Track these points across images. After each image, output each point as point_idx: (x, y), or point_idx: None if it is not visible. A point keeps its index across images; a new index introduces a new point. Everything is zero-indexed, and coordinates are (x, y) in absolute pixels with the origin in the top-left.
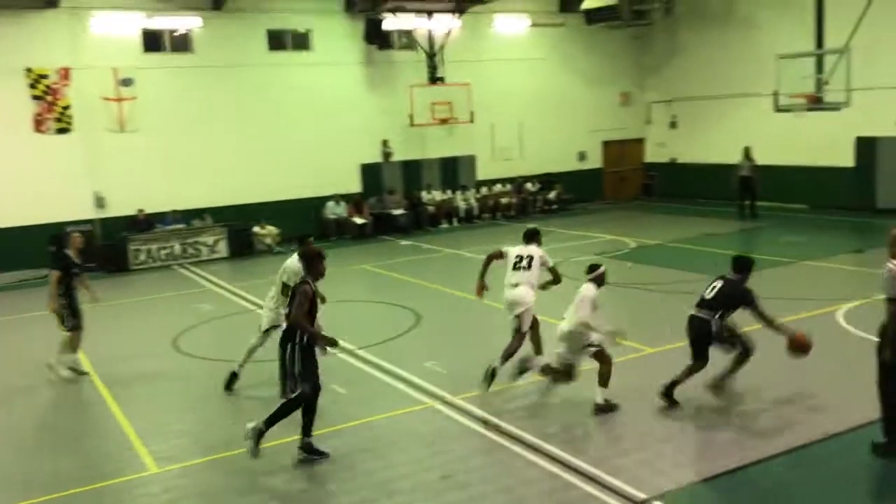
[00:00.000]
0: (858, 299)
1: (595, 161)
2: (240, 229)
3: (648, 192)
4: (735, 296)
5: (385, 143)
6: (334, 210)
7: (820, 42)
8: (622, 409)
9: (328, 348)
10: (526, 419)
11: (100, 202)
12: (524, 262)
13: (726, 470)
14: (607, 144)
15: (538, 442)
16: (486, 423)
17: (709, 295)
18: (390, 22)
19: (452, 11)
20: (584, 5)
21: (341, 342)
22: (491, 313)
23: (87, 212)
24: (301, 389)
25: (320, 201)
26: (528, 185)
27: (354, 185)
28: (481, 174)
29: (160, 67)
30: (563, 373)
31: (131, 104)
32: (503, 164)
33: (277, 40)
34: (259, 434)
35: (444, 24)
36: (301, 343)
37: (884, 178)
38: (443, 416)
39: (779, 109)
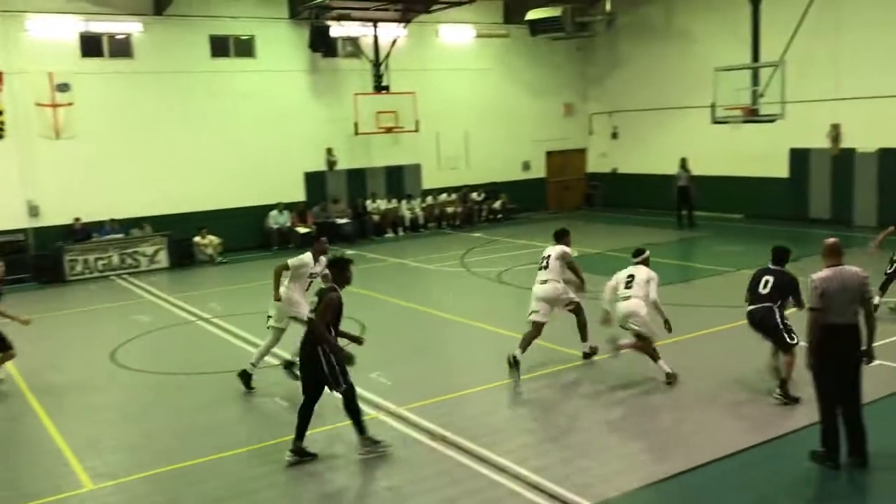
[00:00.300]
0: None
1: (539, 171)
2: (180, 239)
3: (591, 202)
4: (787, 284)
5: (329, 151)
6: (277, 219)
7: (756, 55)
8: (566, 417)
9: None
10: (471, 429)
11: (33, 211)
12: (544, 262)
13: (668, 475)
14: (551, 154)
15: (483, 451)
16: (431, 433)
17: (764, 290)
18: (335, 30)
19: (398, 20)
20: (528, 16)
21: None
22: (436, 323)
23: (20, 221)
24: (345, 384)
25: (263, 210)
26: (474, 195)
27: (298, 194)
28: (427, 183)
29: (98, 73)
30: (648, 343)
31: (67, 110)
32: (449, 174)
33: (220, 47)
34: (369, 441)
35: (389, 33)
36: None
37: (816, 189)
38: (388, 428)
39: (716, 121)
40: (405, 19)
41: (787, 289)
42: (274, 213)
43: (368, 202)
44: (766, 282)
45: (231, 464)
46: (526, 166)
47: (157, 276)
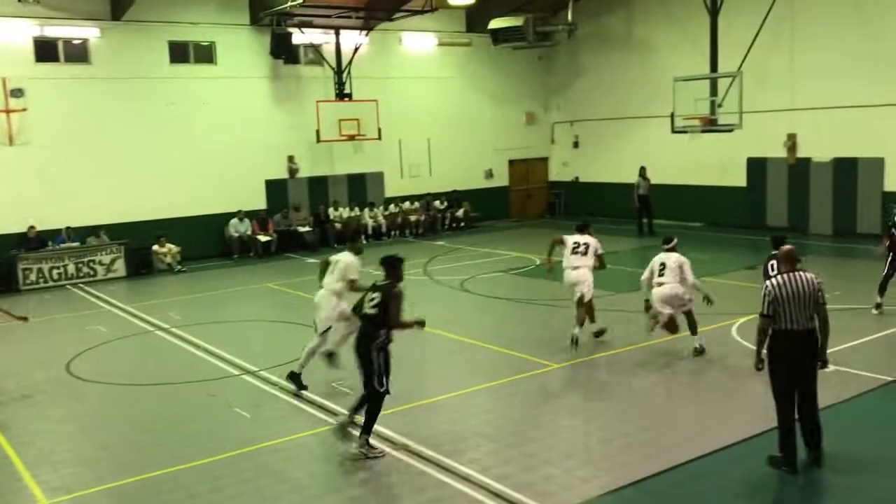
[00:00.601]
0: (752, 314)
1: (502, 179)
2: (138, 248)
3: (553, 211)
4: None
5: (291, 158)
6: (238, 227)
7: (714, 66)
8: (530, 425)
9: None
10: (435, 438)
11: None
12: (581, 248)
13: (629, 482)
14: (513, 163)
15: (446, 460)
16: (394, 442)
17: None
18: (297, 37)
19: (360, 28)
20: (491, 25)
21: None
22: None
23: None
24: (384, 387)
25: (224, 218)
26: (437, 203)
27: (259, 202)
28: (389, 191)
29: (54, 78)
30: (672, 324)
31: (21, 116)
32: (411, 182)
33: (180, 52)
34: (365, 443)
35: (351, 41)
36: (384, 343)
37: (773, 198)
38: (350, 438)
39: (675, 131)
40: (367, 27)
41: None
42: (234, 221)
43: (330, 210)
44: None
45: (192, 475)
46: (488, 175)
47: (114, 285)
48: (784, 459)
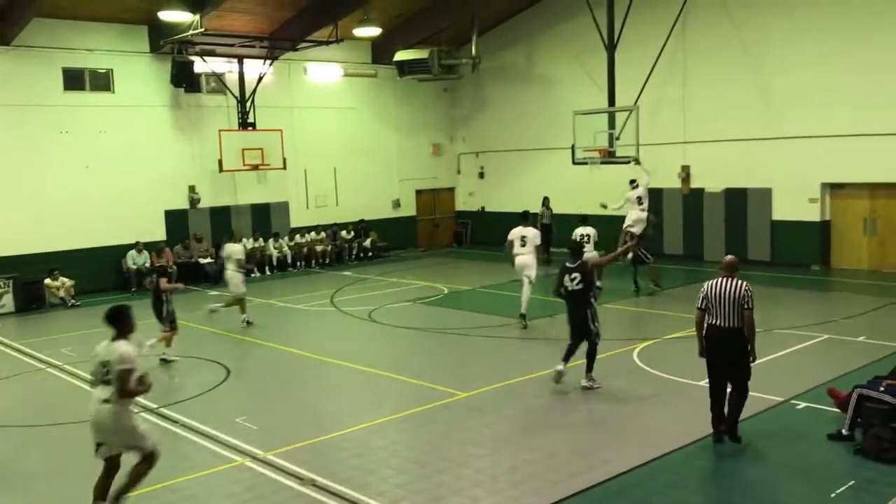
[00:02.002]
0: (650, 339)
1: (409, 209)
2: (29, 281)
3: (460, 240)
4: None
5: (192, 188)
6: (136, 259)
7: (612, 100)
8: (438, 456)
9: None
10: (342, 472)
11: None
12: (527, 243)
13: None
14: (420, 193)
15: (354, 494)
16: (300, 478)
17: None
18: (199, 65)
19: (264, 58)
20: (396, 57)
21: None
22: (305, 364)
23: None
24: (598, 337)
25: (121, 250)
26: (343, 233)
27: (159, 233)
28: (295, 221)
29: None
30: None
31: None
32: (318, 212)
33: (75, 80)
34: (592, 378)
35: (255, 70)
36: (593, 301)
37: (670, 227)
38: (255, 474)
39: (576, 162)
40: (271, 56)
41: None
42: (132, 252)
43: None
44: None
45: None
46: (396, 204)
47: (2, 321)
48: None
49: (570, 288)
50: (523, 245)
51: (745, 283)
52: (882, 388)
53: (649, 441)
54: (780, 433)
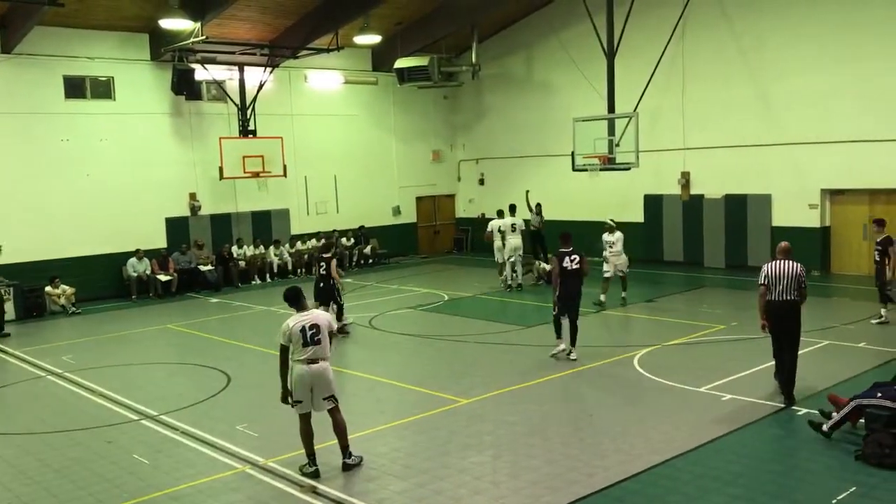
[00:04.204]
0: (650, 346)
1: (409, 216)
2: (30, 289)
3: (460, 247)
4: None
5: (193, 196)
6: (136, 267)
7: (611, 107)
8: (438, 463)
9: None
10: (343, 477)
11: None
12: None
13: None
14: (421, 200)
15: (354, 501)
16: (301, 485)
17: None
18: (200, 73)
19: (265, 65)
20: (397, 65)
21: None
22: None
23: None
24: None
25: (122, 257)
26: (344, 240)
27: (160, 240)
28: (295, 228)
29: None
30: None
31: None
32: (318, 219)
33: (76, 88)
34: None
35: (256, 77)
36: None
37: (669, 233)
38: (255, 481)
39: (575, 169)
40: (272, 64)
41: None
42: (132, 260)
43: (234, 248)
44: None
45: None
46: (396, 211)
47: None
48: (780, 388)
49: (569, 268)
50: (514, 231)
51: (800, 264)
52: (880, 395)
53: (650, 448)
54: (781, 439)
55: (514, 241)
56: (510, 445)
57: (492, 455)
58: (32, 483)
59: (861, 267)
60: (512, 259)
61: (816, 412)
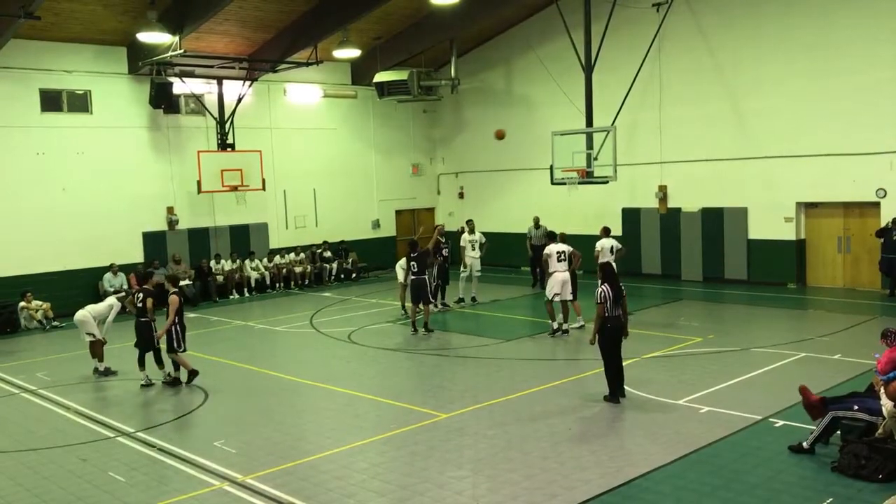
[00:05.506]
0: (629, 359)
1: (389, 229)
2: (2, 305)
3: None
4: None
5: (170, 210)
6: (112, 282)
7: (589, 121)
8: (418, 479)
9: None
10: (321, 495)
11: None
12: (564, 256)
13: None
14: (400, 213)
15: None
16: (279, 502)
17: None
18: (178, 86)
19: (243, 79)
20: (376, 79)
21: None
22: (284, 387)
23: None
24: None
25: (97, 272)
26: (323, 253)
27: (137, 255)
28: (274, 242)
29: None
30: None
31: None
32: (297, 232)
33: (52, 101)
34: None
35: (234, 91)
36: None
37: (647, 246)
38: (233, 498)
39: (554, 182)
40: (251, 78)
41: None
42: (108, 275)
43: (212, 262)
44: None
45: None
46: (376, 225)
47: None
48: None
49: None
50: (473, 249)
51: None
52: (856, 407)
53: (629, 460)
54: (757, 451)
55: (476, 260)
56: (490, 460)
57: (471, 469)
58: (5, 503)
59: (836, 279)
60: (476, 274)
61: (795, 424)
